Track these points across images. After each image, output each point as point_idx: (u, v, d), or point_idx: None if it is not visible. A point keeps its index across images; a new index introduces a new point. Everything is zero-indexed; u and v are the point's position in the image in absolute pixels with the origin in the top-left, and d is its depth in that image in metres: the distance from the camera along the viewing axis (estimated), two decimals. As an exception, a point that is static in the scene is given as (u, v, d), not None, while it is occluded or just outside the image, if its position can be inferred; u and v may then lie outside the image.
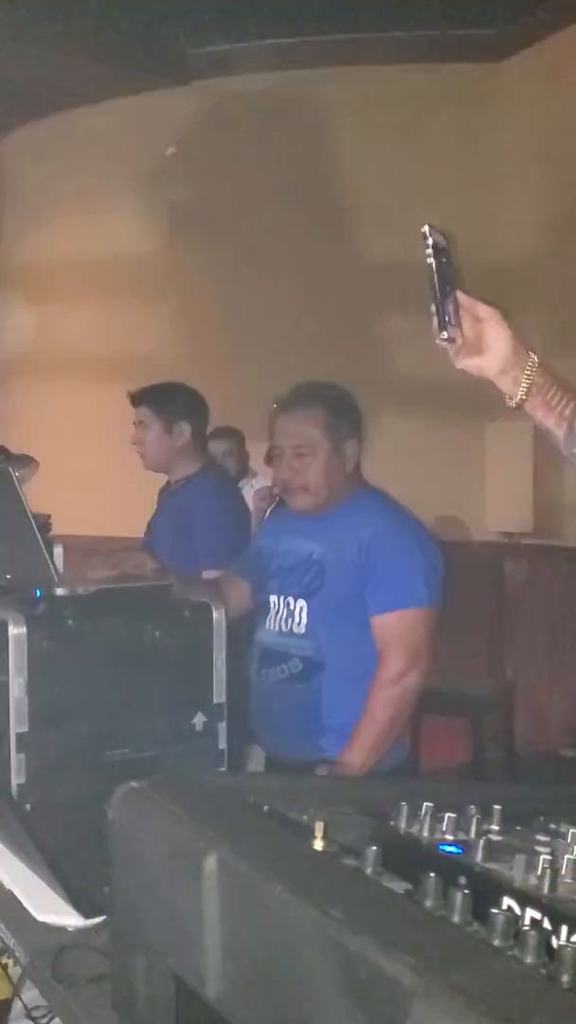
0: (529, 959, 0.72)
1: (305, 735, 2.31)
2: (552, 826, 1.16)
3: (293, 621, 2.36)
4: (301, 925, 0.75)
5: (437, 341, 1.44)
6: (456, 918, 0.80)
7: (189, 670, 2.02)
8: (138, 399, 3.22)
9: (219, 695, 2.04)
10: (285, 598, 2.39)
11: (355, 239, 5.51)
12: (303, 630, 2.35)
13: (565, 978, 0.69)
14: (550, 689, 5.00)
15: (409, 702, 2.31)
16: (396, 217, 5.48)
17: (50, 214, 6.39)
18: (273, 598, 2.42)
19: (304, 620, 2.34)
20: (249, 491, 4.67)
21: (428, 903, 0.82)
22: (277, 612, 2.40)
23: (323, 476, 2.37)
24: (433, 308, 1.44)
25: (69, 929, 1.38)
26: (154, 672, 1.96)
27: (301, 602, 2.36)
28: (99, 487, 5.72)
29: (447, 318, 1.43)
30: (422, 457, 5.27)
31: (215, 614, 2.11)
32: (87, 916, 1.38)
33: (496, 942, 0.75)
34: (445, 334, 1.42)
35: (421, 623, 2.31)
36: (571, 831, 1.12)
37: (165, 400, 3.21)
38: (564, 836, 1.09)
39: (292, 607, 2.37)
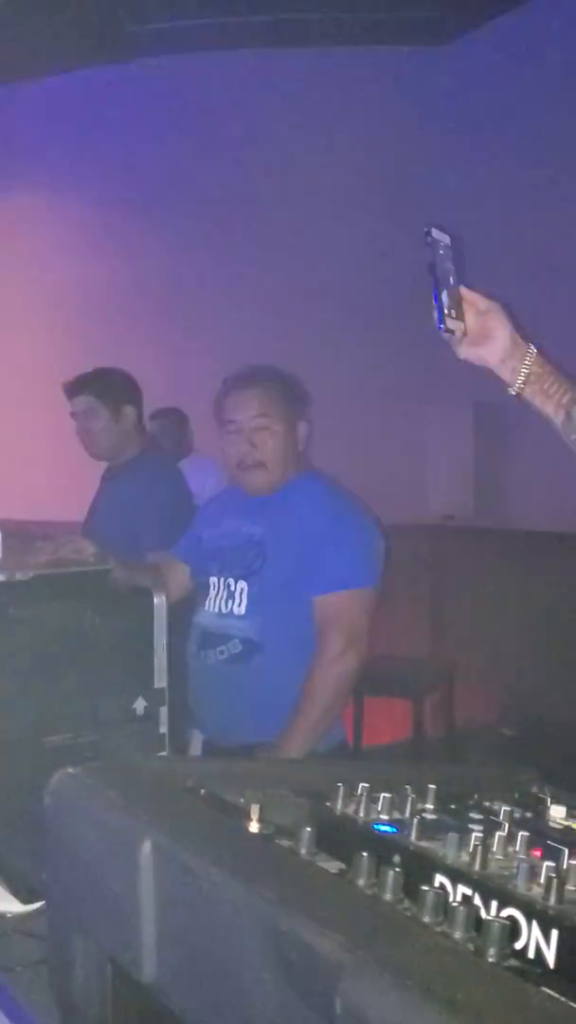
0: (457, 934, 0.73)
1: (244, 717, 2.32)
2: (486, 804, 1.18)
3: (234, 602, 2.36)
4: (235, 907, 0.76)
5: (444, 335, 1.59)
6: (388, 896, 0.81)
7: (130, 655, 2.02)
8: (78, 388, 3.17)
9: (160, 680, 2.04)
10: (225, 579, 2.40)
11: (298, 223, 5.50)
12: (243, 611, 2.35)
13: (491, 951, 0.71)
14: (490, 669, 5.08)
15: (348, 683, 2.33)
16: (339, 201, 5.48)
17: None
18: (213, 579, 2.43)
19: (244, 601, 2.35)
20: (192, 471, 4.67)
21: (361, 882, 0.84)
22: (217, 593, 2.41)
23: (280, 452, 2.38)
24: (435, 303, 1.57)
25: (7, 915, 1.37)
26: (94, 657, 1.95)
27: (242, 583, 2.36)
28: (36, 471, 5.66)
29: (447, 311, 1.56)
30: (364, 440, 5.30)
31: (156, 598, 2.11)
32: (25, 902, 1.38)
33: (426, 918, 0.76)
34: (442, 327, 1.55)
35: (360, 604, 2.33)
36: (503, 809, 1.14)
37: (108, 386, 3.18)
38: (496, 814, 1.12)
39: (233, 588, 2.37)
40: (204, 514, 2.64)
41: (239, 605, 2.35)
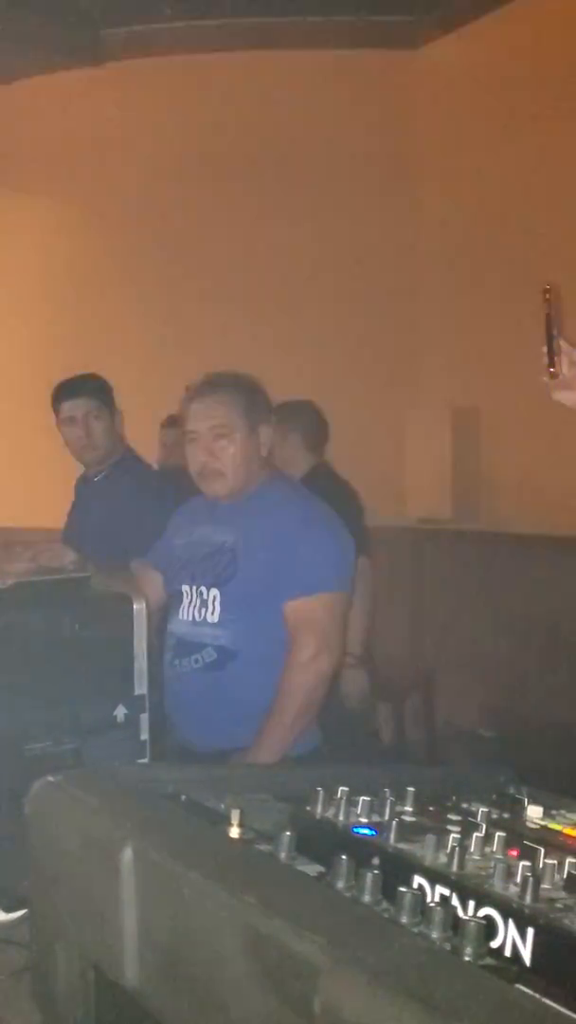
0: (435, 934, 0.75)
1: (220, 724, 2.32)
2: (464, 805, 1.20)
3: (207, 610, 2.36)
4: (215, 911, 0.77)
5: (544, 378, 1.90)
6: (367, 898, 0.82)
7: (110, 662, 2.02)
8: (78, 390, 3.13)
9: (140, 686, 2.04)
10: (198, 587, 2.40)
11: (277, 227, 5.51)
12: (216, 619, 2.35)
13: (468, 950, 0.72)
14: (470, 671, 5.11)
15: (320, 687, 2.33)
16: (318, 205, 5.50)
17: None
18: (186, 588, 2.43)
19: (217, 609, 2.35)
20: None
21: (340, 884, 0.85)
22: (191, 602, 2.41)
23: (240, 459, 2.38)
24: (545, 349, 1.88)
25: (-10, 924, 1.38)
26: (74, 664, 1.95)
27: (214, 591, 2.37)
28: (14, 477, 5.64)
29: (554, 358, 1.86)
30: (342, 444, 5.32)
31: (135, 605, 2.11)
32: (8, 910, 1.38)
33: (404, 919, 0.78)
34: (552, 370, 1.87)
35: (331, 608, 2.34)
36: (481, 810, 1.16)
37: (104, 389, 3.18)
38: (474, 815, 1.13)
39: (205, 596, 2.38)
40: (175, 522, 2.63)
41: (212, 613, 2.36)
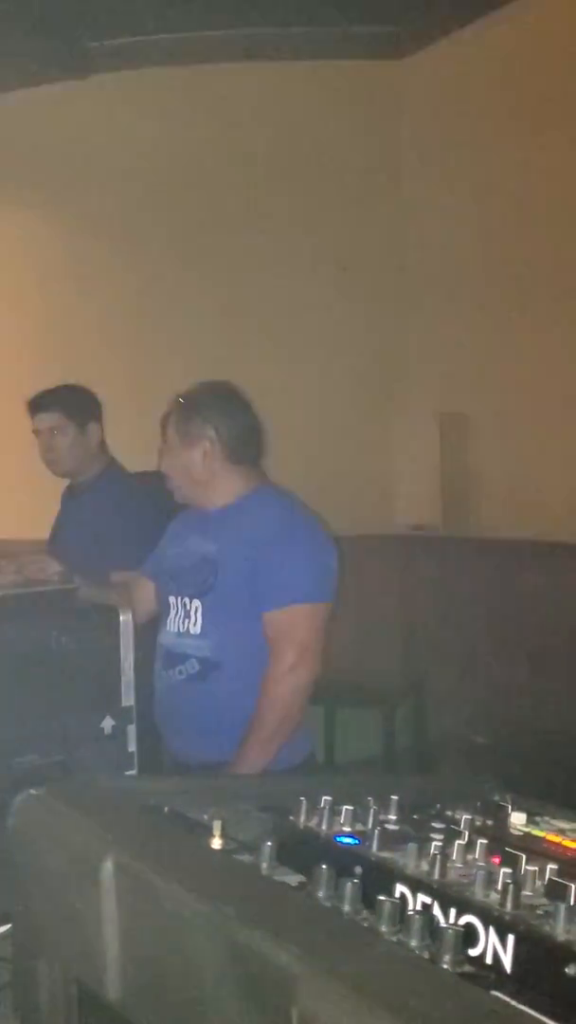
0: (413, 942, 0.75)
1: (205, 736, 2.32)
2: (448, 813, 1.20)
3: (190, 621, 2.37)
4: (195, 922, 0.77)
5: None
6: (346, 907, 0.82)
7: (97, 673, 2.02)
8: (44, 404, 3.15)
9: (127, 698, 2.04)
10: (182, 599, 2.41)
11: (263, 236, 5.53)
12: (199, 630, 2.36)
13: (446, 958, 0.72)
14: (461, 677, 5.11)
15: (300, 698, 2.33)
16: (303, 213, 5.52)
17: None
18: (172, 599, 2.44)
19: (200, 620, 2.35)
20: None
21: (320, 894, 0.85)
22: (176, 613, 2.42)
23: (177, 469, 2.47)
24: None
25: (-25, 939, 1.37)
26: (61, 676, 1.95)
27: (196, 602, 2.37)
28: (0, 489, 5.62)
29: None
30: (329, 453, 5.33)
31: (122, 616, 2.11)
32: (-7, 925, 1.37)
33: (383, 928, 0.78)
34: None
35: (310, 618, 2.33)
36: (464, 817, 1.16)
37: (74, 402, 3.16)
38: (458, 823, 1.13)
39: (188, 607, 2.38)
40: (170, 532, 2.65)
41: (195, 624, 2.36)
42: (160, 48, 5.58)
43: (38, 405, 3.15)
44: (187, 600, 2.39)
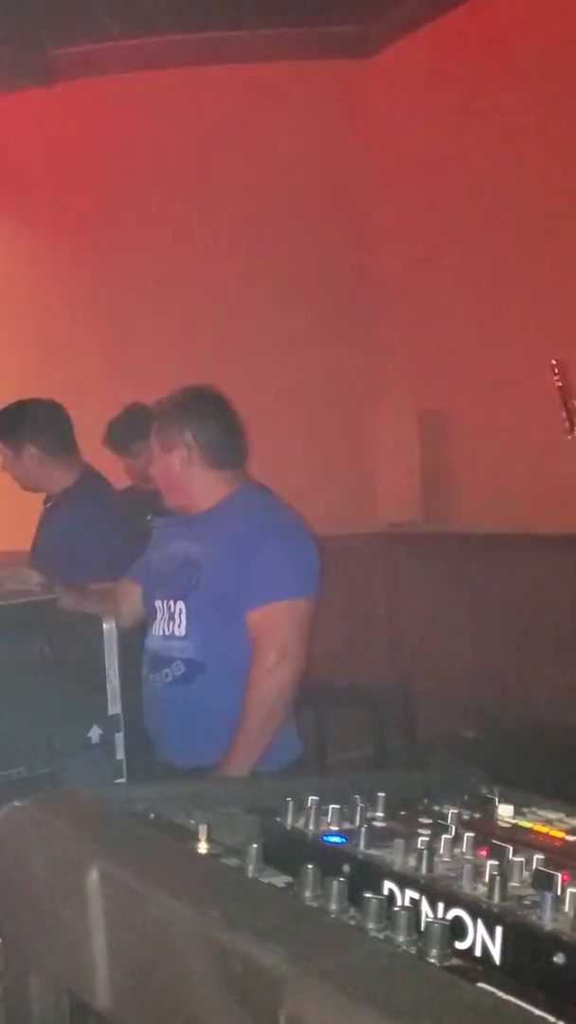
0: (400, 938, 0.75)
1: (195, 739, 2.31)
2: (435, 808, 1.20)
3: (174, 624, 2.37)
4: (181, 927, 0.77)
5: (568, 437, 2.24)
6: (333, 906, 0.82)
7: (82, 683, 2.02)
8: None
9: (114, 706, 2.03)
10: (167, 602, 2.41)
11: (235, 236, 5.53)
12: (183, 632, 2.36)
13: (433, 952, 0.72)
14: (449, 672, 5.12)
15: (283, 696, 2.32)
16: (276, 213, 5.52)
17: None
18: (158, 603, 2.44)
19: (184, 622, 2.36)
20: None
21: (307, 894, 0.85)
22: (162, 616, 2.42)
23: (160, 474, 2.51)
24: (564, 415, 2.23)
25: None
26: (46, 687, 1.94)
27: (180, 604, 2.37)
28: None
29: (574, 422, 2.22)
30: (310, 452, 5.33)
31: (105, 625, 2.10)
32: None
33: (370, 925, 0.78)
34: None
35: (292, 616, 2.33)
36: (451, 812, 1.16)
37: (4, 427, 3.13)
38: (445, 817, 1.13)
39: (173, 610, 2.38)
40: (154, 538, 2.66)
41: (179, 626, 2.36)
42: (124, 54, 5.57)
43: None
44: (171, 603, 2.39)
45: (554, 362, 2.17)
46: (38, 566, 2.53)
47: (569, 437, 2.23)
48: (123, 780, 2.06)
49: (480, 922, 0.84)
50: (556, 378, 2.18)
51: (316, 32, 5.59)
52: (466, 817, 1.16)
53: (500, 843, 1.00)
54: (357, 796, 1.15)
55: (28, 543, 3.28)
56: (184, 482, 2.44)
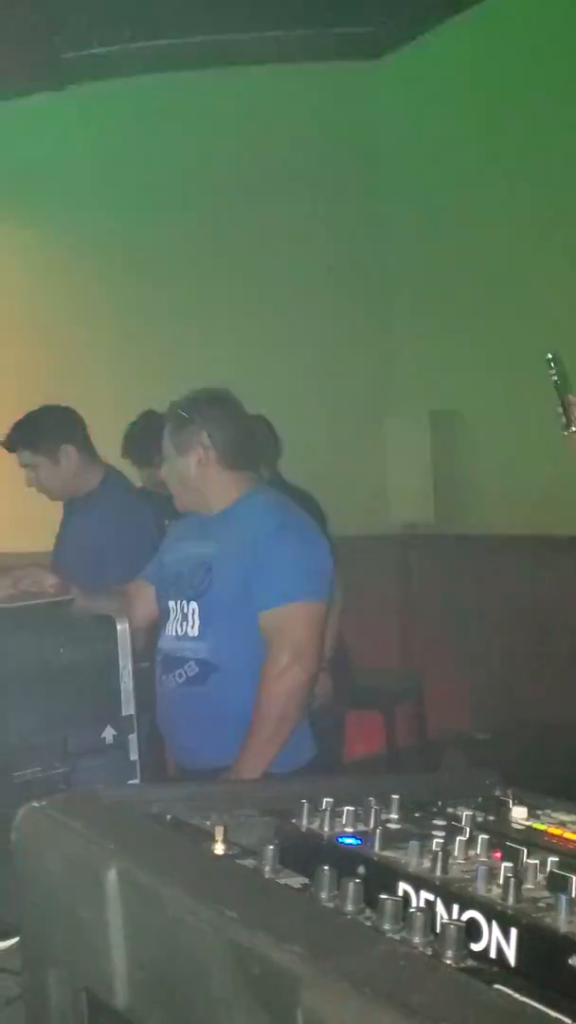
0: (416, 939, 0.75)
1: (208, 740, 2.33)
2: (449, 810, 1.21)
3: (187, 624, 2.38)
4: (199, 927, 0.77)
5: (564, 433, 2.21)
6: (349, 907, 0.83)
7: (96, 684, 2.02)
8: (11, 444, 3.15)
9: (127, 707, 2.04)
10: (180, 602, 2.42)
11: (248, 239, 5.54)
12: (196, 632, 2.37)
13: (448, 954, 0.73)
14: (461, 674, 5.12)
15: (297, 697, 2.33)
16: (288, 216, 5.53)
17: None
18: (172, 604, 2.45)
19: (197, 622, 2.37)
20: None
21: (323, 895, 0.86)
22: (175, 617, 2.43)
23: (174, 477, 2.51)
24: (560, 411, 2.19)
25: (-17, 953, 1.37)
26: (60, 688, 1.95)
27: (193, 604, 2.39)
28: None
29: (569, 416, 2.19)
30: (322, 453, 5.34)
31: (119, 626, 2.11)
32: (0, 938, 1.38)
33: (386, 926, 0.78)
34: (573, 428, 2.20)
35: (305, 617, 2.34)
36: (465, 813, 1.17)
37: (38, 433, 3.14)
38: (459, 819, 1.14)
39: (186, 610, 2.40)
40: (167, 539, 2.68)
41: (192, 627, 2.37)
42: (135, 57, 5.58)
43: (6, 445, 3.16)
44: (185, 603, 2.41)
45: (549, 356, 2.14)
46: (63, 568, 2.56)
47: (566, 434, 2.13)
48: (137, 781, 2.07)
49: (495, 924, 0.85)
50: (552, 372, 2.16)
51: (328, 33, 5.60)
52: (480, 819, 1.16)
53: (514, 845, 1.01)
54: (371, 798, 1.16)
55: (38, 545, 3.30)
56: (198, 483, 2.45)
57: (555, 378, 2.16)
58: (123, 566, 2.84)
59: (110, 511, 3.12)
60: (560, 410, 2.15)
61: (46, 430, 3.14)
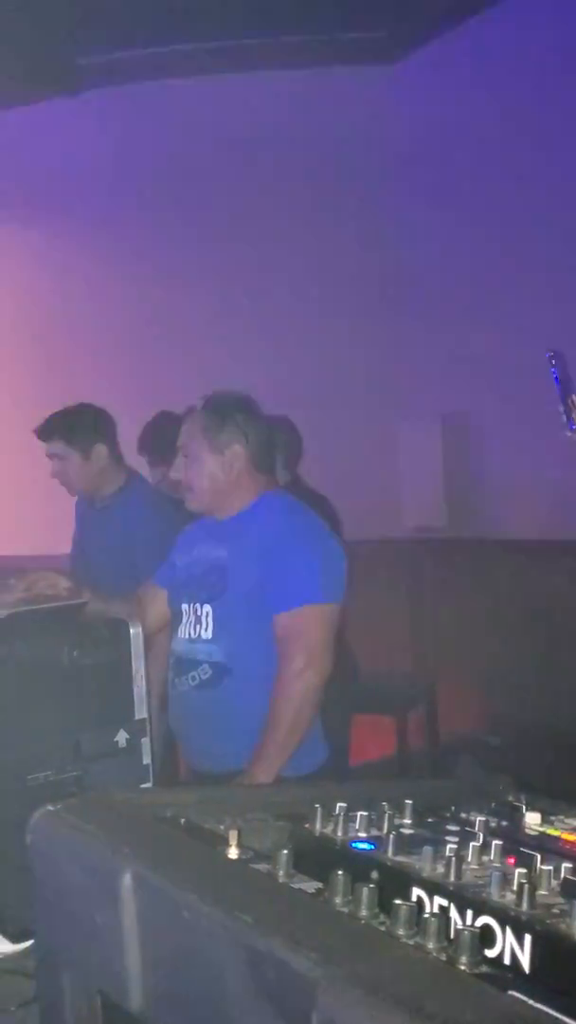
0: (430, 944, 0.76)
1: (222, 743, 2.33)
2: (462, 815, 1.21)
3: (201, 627, 2.39)
4: (214, 931, 0.78)
5: (567, 433, 2.21)
6: (363, 912, 0.83)
7: (109, 687, 2.03)
8: (47, 433, 3.19)
9: (140, 711, 2.04)
10: (193, 605, 2.43)
11: (261, 245, 5.55)
12: (210, 635, 2.37)
13: (463, 959, 0.73)
14: (473, 679, 5.11)
15: (311, 700, 2.33)
16: (301, 222, 5.53)
17: None
18: (185, 606, 2.45)
19: (211, 625, 2.37)
20: None
21: (337, 900, 0.86)
22: (188, 620, 2.43)
23: (204, 477, 2.46)
24: (562, 409, 2.19)
25: (-2, 956, 1.38)
26: (73, 692, 1.96)
27: (207, 607, 2.39)
28: (9, 505, 5.65)
29: (571, 416, 2.20)
30: (333, 457, 5.34)
31: (132, 630, 2.12)
32: (15, 941, 1.38)
33: (400, 931, 0.78)
34: (574, 426, 2.22)
35: (320, 620, 2.35)
36: (479, 819, 1.17)
37: (75, 428, 3.18)
38: (472, 825, 1.14)
39: (200, 613, 2.40)
40: (179, 542, 2.67)
41: (206, 629, 2.38)
42: (150, 63, 5.61)
43: (42, 434, 3.19)
44: (198, 606, 2.41)
45: (550, 354, 2.09)
46: (87, 569, 2.57)
47: (568, 433, 2.17)
48: (149, 785, 2.07)
49: (509, 930, 0.85)
50: (553, 371, 2.16)
51: (341, 38, 5.61)
52: (493, 825, 1.16)
53: (528, 851, 1.01)
54: (384, 803, 1.16)
55: (55, 548, 3.31)
56: (229, 484, 2.45)
57: (558, 375, 2.14)
58: (157, 565, 2.85)
59: (141, 510, 3.15)
60: (561, 409, 2.14)
61: (83, 426, 3.20)
